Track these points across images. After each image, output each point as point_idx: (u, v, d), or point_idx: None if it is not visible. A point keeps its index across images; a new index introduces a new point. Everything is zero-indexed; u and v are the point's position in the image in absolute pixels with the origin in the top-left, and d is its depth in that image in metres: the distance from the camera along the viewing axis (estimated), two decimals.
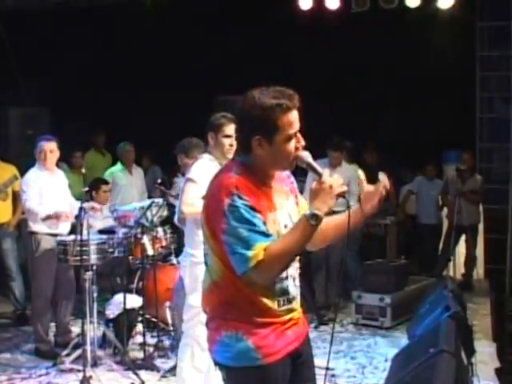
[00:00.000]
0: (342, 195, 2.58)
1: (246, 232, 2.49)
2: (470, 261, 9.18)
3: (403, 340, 6.67)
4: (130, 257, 6.47)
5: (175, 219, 5.69)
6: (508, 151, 9.91)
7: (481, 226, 9.46)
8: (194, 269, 4.52)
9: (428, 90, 10.53)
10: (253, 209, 2.52)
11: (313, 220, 2.51)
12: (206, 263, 2.78)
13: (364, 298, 7.35)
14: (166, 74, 10.97)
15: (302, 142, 2.67)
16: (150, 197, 8.57)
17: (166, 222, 6.84)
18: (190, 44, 10.68)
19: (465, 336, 5.58)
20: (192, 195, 4.47)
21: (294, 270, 2.75)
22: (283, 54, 10.43)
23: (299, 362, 2.78)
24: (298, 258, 2.78)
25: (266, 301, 2.64)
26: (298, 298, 2.79)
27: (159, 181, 6.62)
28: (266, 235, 2.52)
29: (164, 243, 6.83)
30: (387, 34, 10.30)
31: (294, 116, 2.63)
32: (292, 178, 2.93)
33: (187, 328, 4.56)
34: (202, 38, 10.51)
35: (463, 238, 9.21)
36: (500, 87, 10.92)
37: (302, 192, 3.07)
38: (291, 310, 2.73)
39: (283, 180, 2.85)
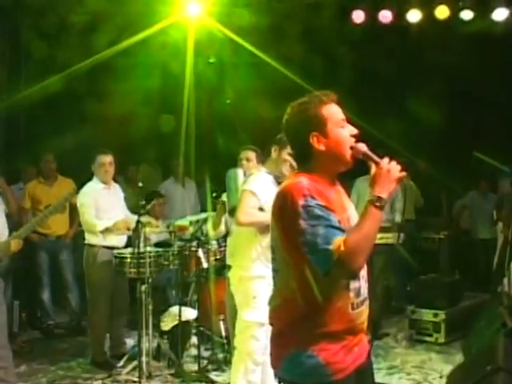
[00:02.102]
0: (401, 180, 2.66)
1: (323, 228, 2.51)
2: None
3: (458, 356, 6.62)
4: (185, 270, 6.53)
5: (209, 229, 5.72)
6: None
7: None
8: (246, 284, 4.55)
9: (483, 102, 10.40)
10: (326, 208, 2.56)
11: (378, 202, 2.57)
12: (275, 280, 2.78)
13: (418, 313, 7.29)
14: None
15: (355, 131, 2.76)
16: (202, 210, 8.67)
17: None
18: None
19: None
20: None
21: (365, 271, 2.76)
22: None
23: (362, 377, 2.77)
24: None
25: (340, 304, 2.63)
26: (368, 302, 2.79)
27: (214, 194, 6.67)
28: (342, 230, 2.54)
29: (218, 256, 6.87)
30: (440, 46, 10.22)
31: (334, 107, 2.76)
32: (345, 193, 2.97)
33: (239, 342, 4.57)
34: None
35: None
36: None
37: None
38: (363, 313, 2.74)
39: (341, 189, 2.90)
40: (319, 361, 2.61)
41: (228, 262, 5.27)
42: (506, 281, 8.61)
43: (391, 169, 2.63)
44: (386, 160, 2.67)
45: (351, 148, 2.71)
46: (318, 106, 2.72)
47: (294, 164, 4.48)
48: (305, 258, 2.56)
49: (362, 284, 2.73)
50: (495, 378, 4.46)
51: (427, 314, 7.24)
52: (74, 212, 7.38)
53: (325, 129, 2.70)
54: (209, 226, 5.80)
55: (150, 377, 5.67)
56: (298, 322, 2.66)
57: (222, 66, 10.49)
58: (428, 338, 7.22)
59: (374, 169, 2.67)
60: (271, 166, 4.64)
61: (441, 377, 6.07)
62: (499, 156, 10.11)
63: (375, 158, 2.70)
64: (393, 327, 7.73)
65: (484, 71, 9.90)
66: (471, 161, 10.19)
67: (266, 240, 4.37)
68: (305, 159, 2.76)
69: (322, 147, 2.70)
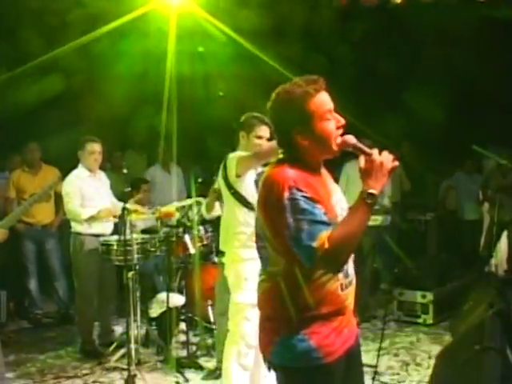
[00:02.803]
0: (394, 170, 2.59)
1: (308, 223, 2.49)
2: None
3: (446, 337, 6.66)
4: (172, 256, 6.51)
5: (202, 211, 5.75)
6: None
7: None
8: (237, 266, 4.56)
9: (467, 86, 10.43)
10: (312, 200, 2.53)
11: (369, 199, 2.52)
12: (263, 266, 2.77)
13: (406, 294, 7.30)
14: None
15: (342, 121, 2.69)
16: (188, 196, 8.64)
17: (207, 220, 6.86)
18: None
19: (510, 333, 5.52)
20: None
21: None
22: None
23: (354, 360, 2.79)
24: None
25: (329, 286, 2.63)
26: (355, 280, 2.79)
27: (200, 180, 6.64)
28: (328, 224, 2.51)
29: (205, 242, 6.86)
30: (443, 29, 10.21)
31: (323, 97, 2.67)
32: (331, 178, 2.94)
33: (232, 325, 4.57)
34: None
35: (505, 233, 9.08)
36: None
37: None
38: (351, 294, 2.74)
39: (328, 174, 2.88)
40: (311, 344, 2.61)
41: (221, 247, 5.30)
42: (492, 261, 8.67)
43: (384, 161, 2.56)
44: (376, 151, 2.59)
45: (341, 142, 2.66)
46: (304, 99, 2.63)
47: (265, 144, 4.55)
48: (291, 249, 2.55)
49: (350, 264, 2.74)
50: (483, 357, 4.48)
51: (415, 296, 7.25)
52: (59, 200, 7.33)
53: (309, 124, 2.64)
54: (203, 209, 5.77)
55: (139, 364, 5.64)
56: (288, 306, 2.64)
57: (213, 55, 10.43)
58: (416, 320, 7.24)
59: (363, 161, 2.60)
60: (242, 151, 4.68)
61: (429, 357, 6.09)
62: (481, 135, 10.16)
63: (366, 149, 2.62)
64: (381, 309, 7.75)
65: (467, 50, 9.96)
66: (455, 141, 10.26)
67: (253, 224, 4.41)
68: (288, 149, 2.73)
69: (305, 143, 2.65)
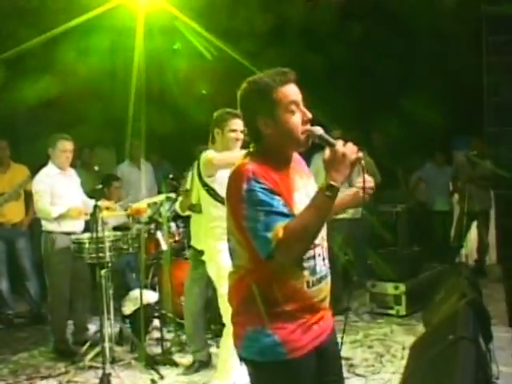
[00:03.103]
0: (357, 162, 2.52)
1: (264, 214, 2.48)
2: (483, 247, 9.18)
3: (419, 328, 6.71)
4: (144, 253, 6.48)
5: (177, 209, 5.77)
6: None
7: (492, 212, 9.43)
8: (216, 259, 4.66)
9: (435, 75, 10.51)
10: (271, 191, 2.51)
11: (329, 191, 2.47)
12: (231, 259, 2.77)
13: (378, 286, 7.35)
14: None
15: (309, 115, 2.66)
16: (159, 192, 8.60)
17: (178, 216, 6.84)
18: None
19: (482, 322, 5.58)
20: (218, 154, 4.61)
21: (322, 249, 2.73)
22: None
23: (325, 356, 2.77)
24: (326, 236, 2.78)
25: (294, 283, 2.62)
26: (329, 279, 2.77)
27: (171, 176, 6.61)
28: (286, 215, 2.49)
29: (176, 238, 6.86)
30: (394, 20, 10.26)
31: (290, 88, 2.64)
32: (304, 163, 2.93)
33: (227, 318, 4.56)
34: None
35: (475, 223, 9.19)
36: (507, 72, 10.89)
37: None
38: (321, 291, 2.71)
39: (300, 162, 2.88)
40: (275, 339, 2.61)
41: (197, 245, 5.47)
42: (463, 251, 8.77)
43: (346, 152, 2.50)
44: (340, 143, 2.54)
45: (306, 132, 2.64)
46: (271, 88, 2.61)
47: (240, 136, 4.58)
48: (250, 240, 2.55)
49: (317, 262, 2.69)
50: (458, 347, 4.52)
51: (388, 287, 7.30)
52: (29, 199, 7.26)
53: (273, 113, 2.61)
54: (177, 208, 5.79)
55: (113, 362, 5.59)
56: (253, 301, 2.64)
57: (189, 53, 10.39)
58: (389, 311, 7.29)
59: (327, 152, 2.55)
60: (219, 147, 4.73)
61: (403, 348, 6.13)
62: (451, 124, 10.27)
63: (331, 140, 2.58)
64: (354, 302, 7.78)
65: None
66: (426, 132, 10.34)
67: (222, 217, 4.44)
68: (255, 139, 2.72)
69: (269, 131, 2.64)
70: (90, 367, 5.70)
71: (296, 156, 2.84)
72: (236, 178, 2.58)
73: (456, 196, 9.56)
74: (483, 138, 9.95)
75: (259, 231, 2.49)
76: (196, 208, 5.31)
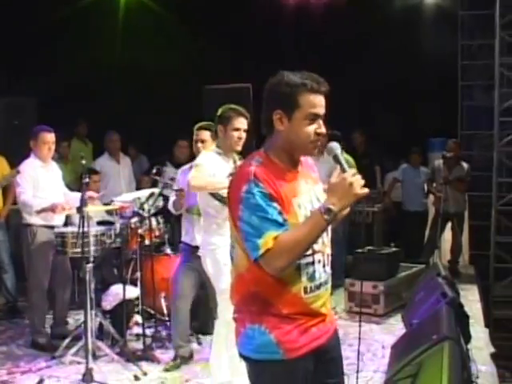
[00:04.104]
0: (361, 198, 2.51)
1: (258, 219, 2.50)
2: (457, 247, 9.30)
3: (398, 327, 6.78)
4: (126, 248, 6.45)
5: (169, 205, 5.76)
6: (487, 139, 10.09)
7: (466, 214, 9.57)
8: (213, 255, 4.64)
9: (411, 78, 10.64)
10: (269, 197, 2.52)
11: (326, 214, 2.47)
12: (231, 256, 2.78)
13: (357, 285, 7.39)
14: (151, 63, 10.91)
15: (323, 130, 2.65)
16: (138, 187, 8.56)
17: (159, 212, 6.82)
18: (177, 32, 10.67)
19: (462, 322, 5.66)
20: (201, 172, 4.58)
21: (323, 255, 2.73)
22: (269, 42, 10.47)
23: (326, 359, 2.79)
24: (328, 243, 2.78)
25: (292, 288, 2.63)
26: (329, 285, 2.78)
27: (154, 171, 6.58)
28: (279, 224, 2.51)
29: (157, 233, 6.82)
30: (372, 22, 10.39)
31: (318, 99, 2.63)
32: (316, 167, 2.94)
33: (222, 313, 4.58)
34: (190, 25, 10.51)
35: (449, 225, 9.30)
36: (480, 76, 11.07)
37: None
38: (319, 298, 2.72)
39: (311, 167, 2.89)
40: (271, 338, 2.63)
41: (184, 239, 5.54)
42: (437, 252, 8.89)
43: (354, 183, 2.47)
44: (351, 172, 2.51)
45: (313, 143, 2.64)
46: (299, 89, 2.60)
47: (243, 136, 4.58)
48: (242, 241, 2.59)
49: (316, 268, 2.70)
50: (442, 347, 4.58)
51: (366, 286, 7.35)
52: (7, 191, 7.18)
53: (291, 113, 2.62)
54: (169, 205, 5.77)
55: (94, 357, 5.56)
56: (251, 299, 2.67)
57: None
58: (367, 310, 7.33)
59: (335, 176, 2.53)
60: (221, 144, 4.70)
61: (383, 347, 6.20)
62: (431, 128, 10.41)
63: (344, 164, 2.56)
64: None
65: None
66: (401, 134, 10.47)
67: (223, 216, 4.50)
68: (267, 131, 2.72)
69: (280, 127, 2.64)
70: (71, 362, 5.65)
71: (307, 160, 2.86)
72: (238, 177, 2.61)
73: (431, 197, 9.67)
74: (459, 141, 10.11)
75: (250, 235, 2.52)
76: (194, 210, 5.34)
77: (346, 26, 10.36)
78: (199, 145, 5.47)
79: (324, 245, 2.75)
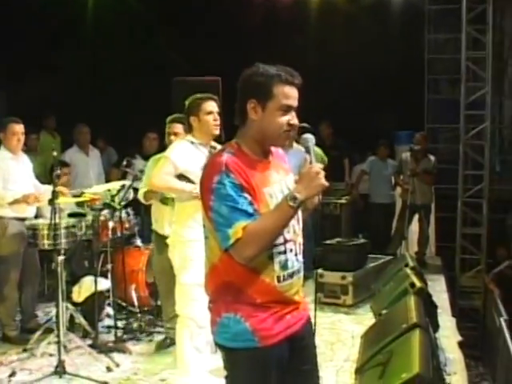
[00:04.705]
0: (323, 189, 2.60)
1: (228, 209, 2.55)
2: (424, 239, 9.43)
3: (366, 317, 6.86)
4: (94, 240, 6.41)
5: (139, 196, 5.78)
6: (453, 132, 10.25)
7: (433, 206, 9.71)
8: (181, 247, 4.60)
9: (378, 71, 10.73)
10: (240, 187, 2.57)
11: (291, 201, 2.54)
12: (206, 246, 2.81)
13: (326, 276, 7.46)
14: (119, 55, 10.86)
15: (295, 122, 2.71)
16: (107, 179, 8.54)
17: (128, 204, 6.82)
18: (145, 25, 10.63)
19: (430, 312, 5.77)
20: (165, 171, 4.56)
21: (294, 244, 2.77)
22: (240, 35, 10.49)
23: (300, 346, 2.83)
24: (300, 232, 2.83)
25: (265, 277, 2.67)
26: (301, 274, 2.82)
27: (125, 163, 6.58)
28: (249, 214, 2.56)
29: (127, 225, 6.81)
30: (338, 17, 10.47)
31: (291, 91, 2.70)
32: (287, 158, 2.98)
33: (180, 308, 4.59)
34: (156, 19, 10.48)
35: (416, 217, 9.43)
36: (446, 69, 11.23)
37: None
38: (293, 286, 2.76)
39: (282, 157, 2.93)
40: (246, 327, 2.67)
41: (154, 227, 5.62)
42: (404, 243, 9.01)
43: (320, 173, 2.58)
44: (319, 165, 2.61)
45: (285, 134, 2.69)
46: (273, 79, 2.66)
47: (217, 118, 4.58)
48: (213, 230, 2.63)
49: (289, 257, 2.74)
50: (412, 335, 4.67)
51: (335, 277, 7.43)
52: None
53: (265, 103, 2.67)
54: (140, 195, 5.77)
55: (66, 349, 5.55)
56: (225, 290, 2.71)
57: None
58: (336, 301, 7.41)
59: (305, 166, 2.63)
60: (198, 134, 4.66)
61: (352, 337, 6.29)
62: (397, 121, 10.52)
63: (313, 157, 2.67)
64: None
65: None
66: (369, 126, 10.56)
67: (197, 205, 4.44)
68: (240, 120, 2.76)
69: (254, 116, 2.69)
70: (43, 354, 5.63)
71: (278, 151, 2.91)
72: (210, 168, 2.64)
73: (398, 189, 9.79)
74: (425, 134, 10.24)
75: (221, 225, 2.57)
76: (168, 201, 5.35)
77: (312, 23, 10.43)
78: (172, 137, 5.48)
79: (296, 234, 2.79)
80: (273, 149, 2.84)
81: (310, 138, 2.76)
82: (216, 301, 2.77)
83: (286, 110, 2.68)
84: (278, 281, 2.70)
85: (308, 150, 2.71)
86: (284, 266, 2.72)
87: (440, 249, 10.04)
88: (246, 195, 2.58)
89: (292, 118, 2.71)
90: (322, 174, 2.59)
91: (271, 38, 10.58)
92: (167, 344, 5.74)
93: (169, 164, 4.56)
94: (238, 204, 2.54)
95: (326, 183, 2.59)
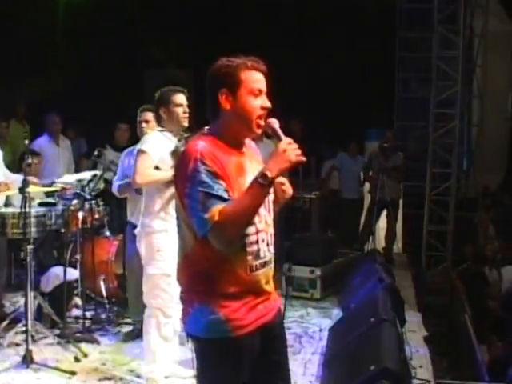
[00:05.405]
0: (298, 164, 2.61)
1: (204, 195, 2.56)
2: (391, 235, 9.52)
3: (334, 310, 6.94)
4: (63, 229, 6.38)
5: (114, 189, 5.75)
6: (422, 130, 10.36)
7: (401, 202, 9.81)
8: (149, 238, 4.59)
9: (350, 68, 10.80)
10: (215, 175, 2.59)
11: (261, 179, 2.56)
12: (179, 236, 2.83)
13: (294, 270, 7.50)
14: (92, 45, 10.79)
15: (268, 104, 2.76)
16: (76, 169, 8.47)
17: (98, 195, 6.79)
18: (117, 16, 10.57)
19: (398, 306, 5.85)
20: (145, 165, 4.55)
21: (266, 234, 2.79)
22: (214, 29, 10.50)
23: (271, 336, 2.86)
24: (271, 223, 2.85)
25: (238, 266, 2.69)
26: (272, 264, 2.85)
27: (96, 153, 6.54)
28: (224, 199, 2.57)
29: (97, 216, 6.78)
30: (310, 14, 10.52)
31: (258, 76, 2.75)
32: (258, 151, 3.01)
33: (149, 298, 4.60)
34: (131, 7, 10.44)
35: (384, 213, 9.51)
36: (417, 68, 11.35)
37: None
38: (264, 276, 2.78)
39: (255, 149, 2.97)
40: (219, 317, 2.68)
41: (130, 219, 5.62)
42: (371, 238, 9.09)
43: (288, 149, 2.58)
44: (287, 140, 2.63)
45: (259, 118, 2.73)
46: (239, 67, 2.72)
47: (187, 110, 4.59)
48: (189, 218, 2.64)
49: (261, 247, 2.77)
50: (380, 329, 4.74)
51: (303, 271, 7.48)
52: None
53: (236, 90, 2.71)
54: (114, 189, 5.76)
55: (33, 339, 5.51)
56: (197, 280, 2.73)
57: None
58: (304, 294, 7.47)
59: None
60: (167, 125, 4.67)
61: (320, 330, 6.34)
62: (368, 118, 10.59)
63: (281, 135, 2.69)
64: None
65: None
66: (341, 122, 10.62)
67: (166, 195, 4.54)
68: (213, 114, 2.79)
69: (227, 106, 2.72)
70: (10, 344, 5.58)
71: (250, 143, 2.94)
72: (185, 156, 2.66)
73: (367, 185, 9.87)
74: (395, 131, 10.34)
75: (197, 211, 2.57)
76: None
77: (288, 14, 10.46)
78: (143, 125, 5.50)
79: (267, 224, 2.82)
80: (246, 141, 2.87)
81: (273, 120, 2.76)
82: (188, 291, 2.78)
83: (257, 93, 2.73)
84: (251, 270, 2.72)
85: (275, 132, 2.71)
86: (256, 256, 2.74)
87: (406, 245, 10.14)
88: (222, 182, 2.60)
89: (264, 102, 2.75)
90: (293, 150, 2.58)
91: (244, 30, 10.59)
92: (135, 335, 5.75)
93: (147, 158, 4.56)
94: (213, 190, 2.56)
95: (301, 158, 2.59)
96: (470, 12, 11.17)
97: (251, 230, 2.71)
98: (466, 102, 11.67)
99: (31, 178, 5.82)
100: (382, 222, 9.61)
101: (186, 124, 4.65)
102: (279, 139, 2.66)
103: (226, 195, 2.59)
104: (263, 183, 2.55)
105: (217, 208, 2.53)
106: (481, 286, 8.50)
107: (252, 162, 2.85)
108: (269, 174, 2.55)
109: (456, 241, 9.59)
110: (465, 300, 8.17)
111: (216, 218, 2.52)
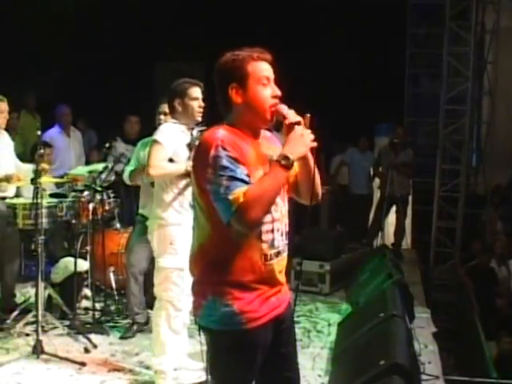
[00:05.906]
0: (312, 149, 2.71)
1: (227, 179, 2.57)
2: (400, 231, 9.51)
3: (342, 305, 6.95)
4: (74, 221, 6.40)
5: (125, 177, 5.76)
6: (432, 126, 10.35)
7: (410, 198, 9.80)
8: (161, 231, 4.58)
9: (360, 63, 10.79)
10: (236, 160, 2.61)
11: (284, 161, 2.61)
12: (193, 227, 2.85)
13: (304, 264, 7.50)
14: (103, 37, 10.80)
15: (278, 92, 2.79)
16: (87, 161, 8.50)
17: (108, 187, 6.80)
18: (129, 9, 10.58)
19: (407, 302, 5.86)
20: (158, 157, 4.53)
21: (281, 224, 2.81)
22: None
23: (282, 328, 2.87)
24: (286, 213, 2.87)
25: (253, 254, 2.71)
26: (285, 255, 2.86)
27: (107, 145, 6.55)
28: (246, 182, 2.59)
29: (107, 208, 6.79)
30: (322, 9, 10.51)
31: (265, 66, 2.78)
32: (276, 141, 3.02)
33: (160, 291, 4.60)
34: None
35: (394, 208, 9.51)
36: (427, 64, 11.33)
37: None
38: (278, 265, 2.80)
39: (271, 139, 2.97)
40: (234, 309, 2.68)
41: (142, 212, 5.57)
42: (380, 234, 9.10)
43: (304, 134, 2.67)
44: (301, 127, 2.70)
45: (272, 107, 2.75)
46: (245, 60, 2.74)
47: (202, 104, 4.59)
48: (213, 206, 2.64)
49: (276, 236, 2.78)
50: (390, 324, 4.75)
51: (313, 266, 7.49)
52: None
53: (245, 83, 2.73)
54: (125, 177, 5.76)
55: (43, 329, 5.53)
56: (212, 270, 2.73)
57: None
58: (313, 289, 7.47)
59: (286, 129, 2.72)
60: (181, 118, 4.66)
61: (329, 325, 6.35)
62: (378, 113, 10.58)
63: (293, 119, 2.73)
64: None
65: None
66: (349, 118, 10.62)
67: (179, 188, 4.53)
68: (226, 109, 2.81)
69: (239, 100, 2.74)
70: (20, 334, 5.61)
71: (267, 133, 2.95)
72: (204, 145, 2.67)
73: (376, 181, 9.86)
74: (405, 127, 10.33)
75: (221, 194, 2.58)
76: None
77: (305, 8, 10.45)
78: (161, 117, 5.47)
79: (282, 214, 2.83)
80: (262, 132, 2.89)
81: (283, 106, 2.78)
82: (202, 282, 2.79)
83: (266, 83, 2.76)
84: (266, 259, 2.74)
85: (285, 118, 2.75)
86: (272, 245, 2.76)
87: (415, 241, 10.13)
88: (243, 167, 2.62)
89: (274, 91, 2.78)
90: (307, 134, 2.67)
91: (253, 26, 10.58)
92: (134, 331, 5.75)
93: (162, 150, 4.54)
94: (236, 173, 2.58)
95: (314, 144, 2.68)
96: (481, 8, 11.14)
97: (267, 218, 2.72)
98: (477, 98, 11.63)
99: (44, 165, 5.83)
100: (391, 218, 9.61)
101: (199, 118, 4.64)
102: (294, 123, 2.71)
103: (247, 179, 2.61)
104: (285, 164, 2.60)
105: (240, 190, 2.55)
106: (490, 282, 8.51)
107: (269, 152, 2.85)
108: (290, 156, 2.61)
109: (464, 238, 9.59)
110: (473, 297, 8.18)
111: (241, 199, 2.53)
